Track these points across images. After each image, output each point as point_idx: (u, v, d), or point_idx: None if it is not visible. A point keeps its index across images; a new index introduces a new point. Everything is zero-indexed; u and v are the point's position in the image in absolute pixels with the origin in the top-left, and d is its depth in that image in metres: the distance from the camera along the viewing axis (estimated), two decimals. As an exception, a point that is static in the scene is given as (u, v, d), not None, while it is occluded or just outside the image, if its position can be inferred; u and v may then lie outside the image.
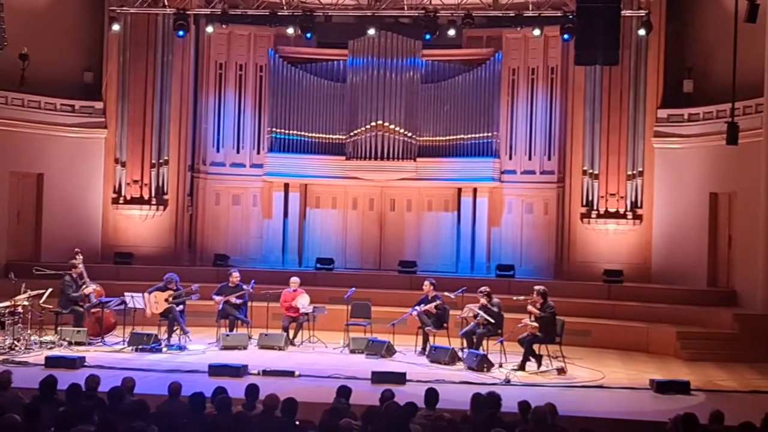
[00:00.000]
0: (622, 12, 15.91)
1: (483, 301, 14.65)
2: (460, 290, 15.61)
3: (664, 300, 17.74)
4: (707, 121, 18.33)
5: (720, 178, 18.19)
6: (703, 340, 16.06)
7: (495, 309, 14.65)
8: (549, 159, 20.43)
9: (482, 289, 14.91)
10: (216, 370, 12.82)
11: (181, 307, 15.60)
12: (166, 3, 18.95)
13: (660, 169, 19.16)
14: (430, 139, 20.50)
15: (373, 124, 20.24)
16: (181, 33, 18.50)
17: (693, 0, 19.39)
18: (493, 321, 14.48)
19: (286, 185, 20.92)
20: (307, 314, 16.03)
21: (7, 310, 14.27)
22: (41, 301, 15.03)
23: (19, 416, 7.35)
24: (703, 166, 18.55)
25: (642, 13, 18.29)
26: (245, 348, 15.30)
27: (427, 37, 18.24)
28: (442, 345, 14.93)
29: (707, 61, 18.85)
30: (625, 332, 16.83)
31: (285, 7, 18.62)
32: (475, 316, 14.68)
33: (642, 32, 18.24)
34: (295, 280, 16.37)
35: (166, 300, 15.49)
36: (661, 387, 12.63)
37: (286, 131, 20.63)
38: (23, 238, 19.52)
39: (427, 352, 15.00)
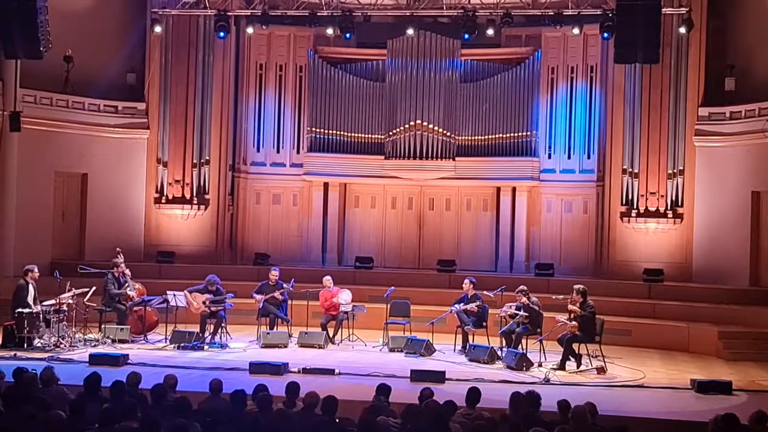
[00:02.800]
0: (663, 10, 15.80)
1: (524, 299, 14.65)
2: (499, 289, 15.61)
3: (706, 299, 17.56)
4: (749, 119, 18.13)
5: (762, 176, 17.98)
6: (745, 339, 15.92)
7: (535, 308, 14.65)
8: (588, 158, 20.34)
9: (520, 288, 14.91)
10: (257, 367, 12.92)
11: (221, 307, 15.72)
12: (207, 5, 19.13)
13: (701, 168, 18.97)
14: (469, 138, 20.47)
15: (412, 123, 20.29)
16: (221, 34, 18.66)
17: (734, -3, 19.25)
18: (528, 315, 14.48)
19: (326, 185, 21.03)
20: (346, 312, 16.12)
21: (52, 308, 14.51)
22: (85, 300, 15.25)
23: (65, 412, 7.50)
24: (745, 165, 18.34)
25: (683, 10, 18.11)
26: (285, 346, 15.40)
27: (466, 36, 18.20)
28: (481, 344, 14.93)
29: (749, 58, 18.64)
30: (666, 332, 16.72)
31: (324, 8, 18.71)
32: (512, 317, 14.68)
33: (683, 30, 18.06)
34: (327, 279, 16.47)
35: (204, 303, 15.63)
36: (703, 387, 12.52)
37: (326, 131, 20.72)
38: (68, 237, 19.81)
39: (466, 351, 15.01)
